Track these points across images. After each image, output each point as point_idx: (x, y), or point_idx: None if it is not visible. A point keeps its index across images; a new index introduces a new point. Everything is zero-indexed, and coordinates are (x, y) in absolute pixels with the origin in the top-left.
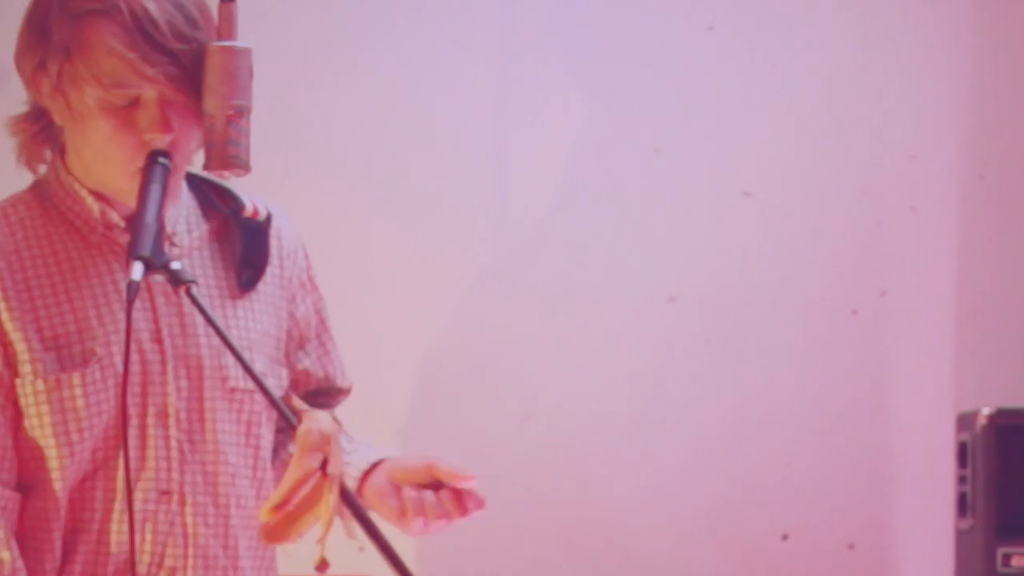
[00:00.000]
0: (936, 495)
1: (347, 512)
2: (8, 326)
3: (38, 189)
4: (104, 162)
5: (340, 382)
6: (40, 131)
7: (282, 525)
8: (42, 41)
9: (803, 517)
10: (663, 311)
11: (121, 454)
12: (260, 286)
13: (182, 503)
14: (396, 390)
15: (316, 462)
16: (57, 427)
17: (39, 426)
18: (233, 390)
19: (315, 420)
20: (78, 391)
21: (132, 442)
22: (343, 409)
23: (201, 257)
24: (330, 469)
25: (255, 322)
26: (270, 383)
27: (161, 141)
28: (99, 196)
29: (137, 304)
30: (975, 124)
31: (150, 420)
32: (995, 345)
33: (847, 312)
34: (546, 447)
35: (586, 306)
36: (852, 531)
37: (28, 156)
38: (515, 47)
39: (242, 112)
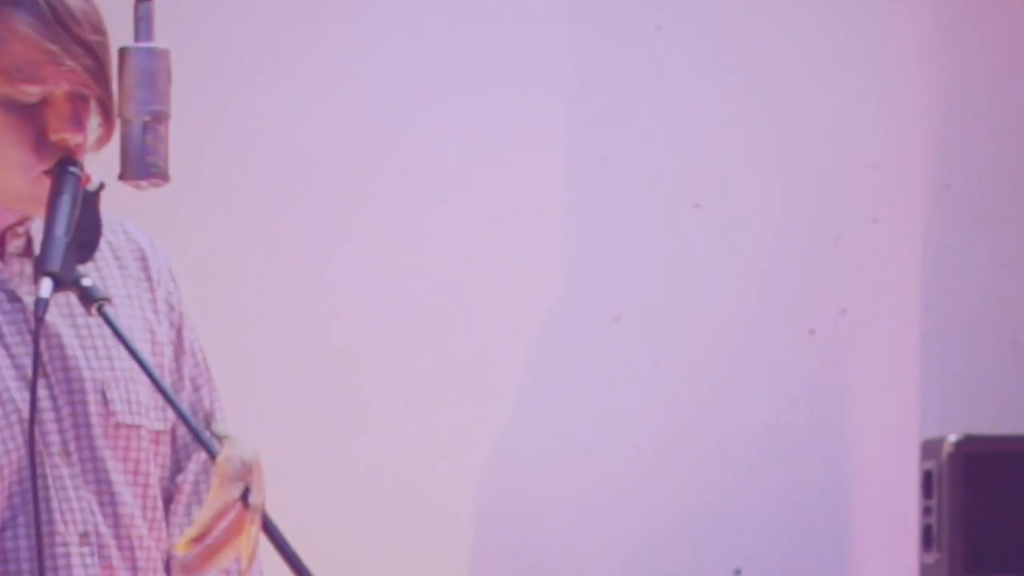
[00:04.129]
0: (899, 527)
1: None
2: None
3: None
4: (6, 170)
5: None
6: None
7: (200, 559)
8: None
9: (757, 550)
10: (608, 330)
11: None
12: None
13: (100, 543)
14: (329, 409)
15: (237, 492)
16: None
17: None
18: (119, 426)
19: (236, 447)
20: None
21: (49, 483)
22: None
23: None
24: (252, 500)
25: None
26: (155, 416)
27: (72, 140)
28: None
29: (18, 332)
30: (940, 131)
31: (55, 459)
32: (962, 367)
33: (804, 332)
34: (483, 472)
35: (525, 325)
36: (809, 565)
37: None
38: (449, 45)
39: (160, 118)
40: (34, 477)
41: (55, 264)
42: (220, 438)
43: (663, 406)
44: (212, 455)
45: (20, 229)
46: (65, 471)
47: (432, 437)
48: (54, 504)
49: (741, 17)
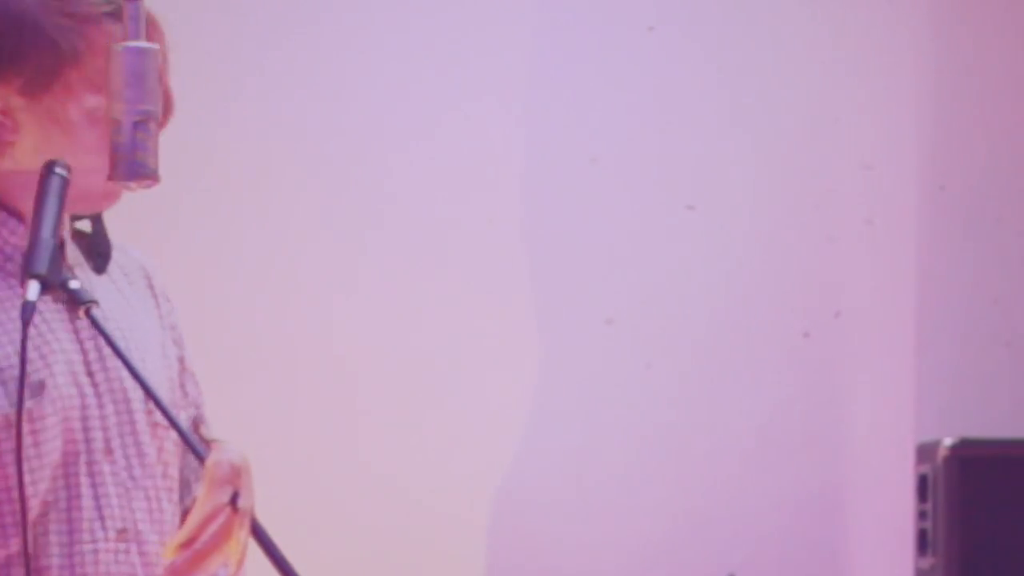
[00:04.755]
0: (894, 532)
1: None
2: None
3: None
4: (85, 171)
5: None
6: None
7: (189, 564)
8: (30, 43)
9: (751, 555)
10: (600, 334)
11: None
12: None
13: (139, 540)
14: (322, 412)
15: (226, 496)
16: (9, 468)
17: None
18: (156, 425)
19: (225, 451)
20: (37, 425)
21: (83, 480)
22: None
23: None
24: (241, 504)
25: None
26: (184, 417)
27: None
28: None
29: (64, 330)
30: (935, 131)
31: (96, 456)
32: (958, 370)
33: (798, 334)
34: (474, 478)
35: (516, 329)
36: (804, 570)
37: None
38: (439, 47)
39: (150, 118)
40: (20, 474)
41: (42, 267)
42: (209, 442)
43: (656, 410)
44: (201, 459)
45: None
46: (107, 468)
47: (423, 441)
48: (87, 502)
49: (734, 17)
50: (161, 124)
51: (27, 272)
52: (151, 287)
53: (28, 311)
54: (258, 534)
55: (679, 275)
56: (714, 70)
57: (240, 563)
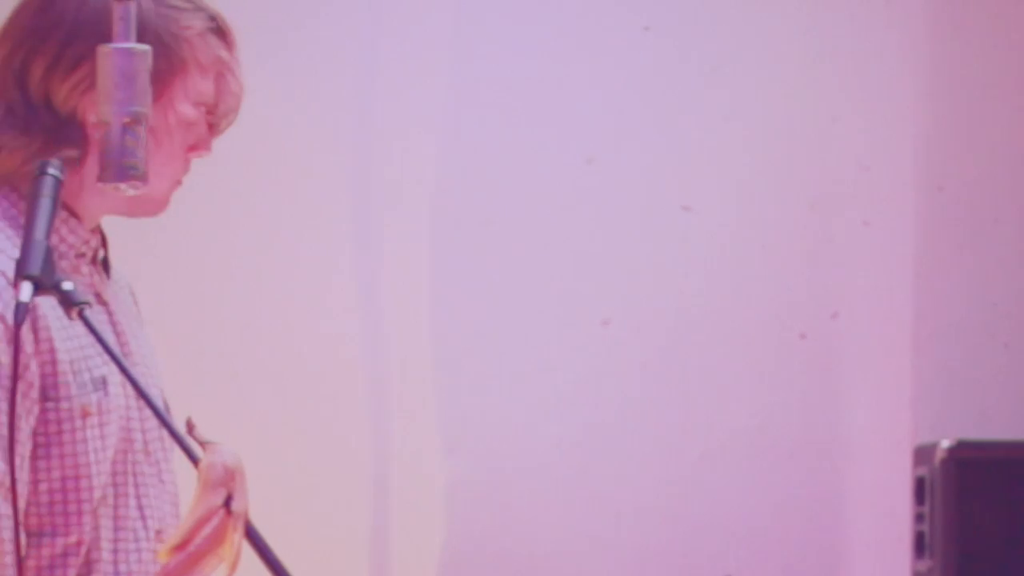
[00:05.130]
0: (892, 534)
1: None
2: (43, 345)
3: None
4: (158, 177)
5: None
6: (49, 142)
7: (183, 567)
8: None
9: (747, 557)
10: (595, 335)
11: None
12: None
13: None
14: (311, 421)
15: (220, 499)
16: (82, 457)
17: (67, 455)
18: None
19: (218, 453)
20: (105, 418)
21: (130, 480)
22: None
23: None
24: (235, 506)
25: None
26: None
27: (203, 156)
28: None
29: (108, 332)
30: (933, 132)
31: (138, 456)
32: (955, 372)
33: (795, 336)
34: (470, 482)
35: (511, 330)
36: (801, 572)
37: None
38: (436, 47)
39: (139, 119)
40: (12, 472)
41: (35, 267)
42: (203, 444)
43: (652, 411)
44: (194, 461)
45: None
46: (147, 468)
47: (417, 441)
48: (131, 501)
49: (730, 17)
50: (217, 130)
51: (20, 273)
52: (136, 304)
53: (21, 312)
54: (252, 536)
55: (675, 276)
56: (710, 70)
57: (234, 565)
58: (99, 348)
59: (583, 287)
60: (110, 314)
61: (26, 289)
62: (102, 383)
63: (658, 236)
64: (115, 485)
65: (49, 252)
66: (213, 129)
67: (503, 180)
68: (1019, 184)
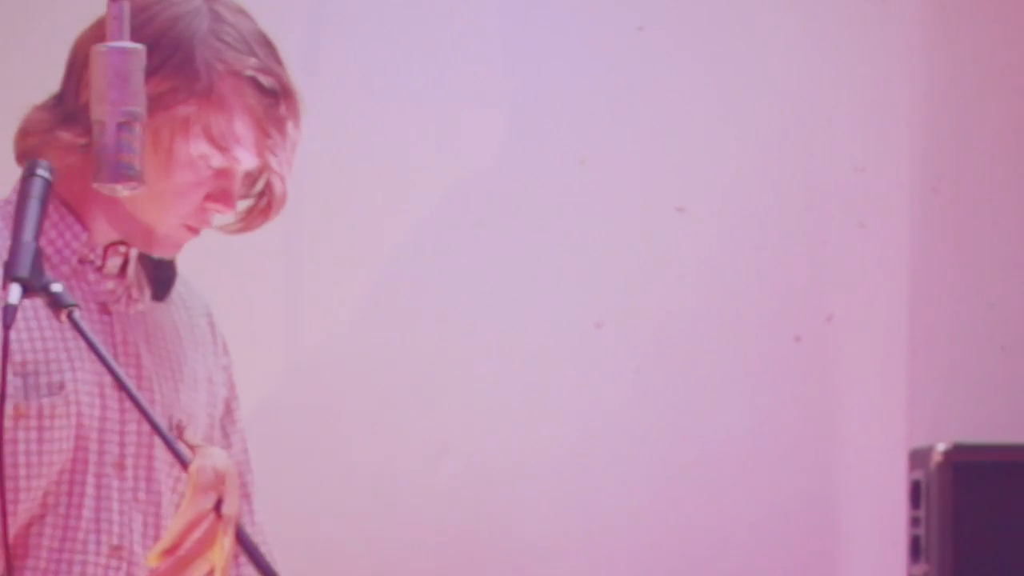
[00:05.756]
0: (887, 538)
1: None
2: None
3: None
4: (159, 208)
5: None
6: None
7: (172, 571)
8: (177, 64)
9: (741, 563)
10: (588, 337)
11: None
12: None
13: (131, 561)
14: (301, 423)
15: (210, 502)
16: (9, 458)
17: None
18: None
19: (209, 456)
20: (45, 423)
21: (88, 491)
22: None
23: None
24: (225, 510)
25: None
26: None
27: (221, 212)
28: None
29: (104, 343)
30: (928, 133)
31: (107, 469)
32: (951, 375)
33: (790, 339)
34: (460, 487)
35: (503, 333)
36: None
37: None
38: (427, 48)
39: (134, 119)
40: (1, 480)
41: (24, 270)
42: (192, 447)
43: (645, 414)
44: (184, 464)
45: (122, 248)
46: (115, 483)
47: (410, 445)
48: (88, 513)
49: (725, 18)
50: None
51: (8, 275)
52: (212, 328)
53: (10, 315)
54: (242, 540)
55: (669, 278)
56: (704, 71)
57: (225, 570)
58: (67, 355)
59: (576, 289)
60: (113, 324)
61: (14, 291)
62: (58, 388)
63: (652, 238)
64: (70, 495)
65: (38, 254)
66: (243, 188)
67: (496, 181)
68: (1015, 186)
